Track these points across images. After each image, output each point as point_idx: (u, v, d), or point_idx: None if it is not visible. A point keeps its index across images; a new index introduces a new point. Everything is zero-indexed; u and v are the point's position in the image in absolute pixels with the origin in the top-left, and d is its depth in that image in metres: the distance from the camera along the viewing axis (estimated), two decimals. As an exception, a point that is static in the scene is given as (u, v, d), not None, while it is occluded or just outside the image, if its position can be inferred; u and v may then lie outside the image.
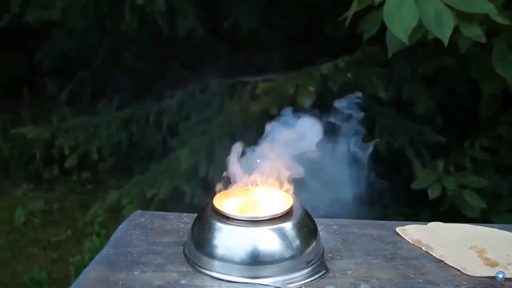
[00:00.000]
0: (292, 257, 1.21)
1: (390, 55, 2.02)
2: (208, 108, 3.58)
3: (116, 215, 3.10)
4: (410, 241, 1.36)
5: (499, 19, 1.91)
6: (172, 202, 3.20)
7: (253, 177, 1.31)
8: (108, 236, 1.39)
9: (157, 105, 3.79)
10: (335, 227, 1.42)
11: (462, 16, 1.89)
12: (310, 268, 1.22)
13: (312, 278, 1.20)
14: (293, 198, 1.28)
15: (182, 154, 3.13)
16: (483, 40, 1.94)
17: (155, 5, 3.42)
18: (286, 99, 2.98)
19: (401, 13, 1.84)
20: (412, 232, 1.39)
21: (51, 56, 4.30)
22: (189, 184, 3.17)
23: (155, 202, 3.17)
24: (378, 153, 2.72)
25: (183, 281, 1.18)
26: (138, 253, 1.29)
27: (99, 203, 3.39)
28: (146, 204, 3.16)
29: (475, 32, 1.92)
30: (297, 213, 1.26)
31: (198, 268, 1.22)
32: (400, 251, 1.32)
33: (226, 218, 1.23)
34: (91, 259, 1.30)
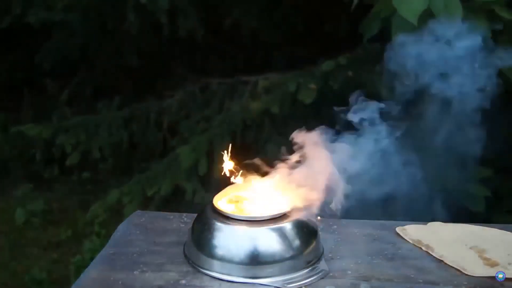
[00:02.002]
0: (292, 257, 1.21)
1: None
2: (208, 107, 3.58)
3: (116, 215, 3.10)
4: (410, 241, 1.36)
5: (505, 15, 1.91)
6: (173, 201, 3.20)
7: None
8: (108, 236, 1.39)
9: (157, 105, 3.79)
10: (335, 227, 1.42)
11: (469, 10, 1.90)
12: (310, 268, 1.22)
13: (312, 278, 1.20)
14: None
15: (182, 152, 3.13)
16: (488, 34, 1.94)
17: (158, 4, 3.42)
18: (287, 97, 2.98)
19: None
20: (412, 232, 1.39)
21: (51, 56, 4.30)
22: (189, 182, 3.17)
23: (155, 200, 3.17)
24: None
25: (183, 281, 1.18)
26: (138, 253, 1.29)
27: (99, 203, 3.40)
28: (147, 203, 3.15)
29: (480, 26, 1.92)
30: (297, 213, 1.25)
31: (198, 268, 1.22)
32: (400, 251, 1.32)
33: (226, 218, 1.23)
34: (91, 259, 1.30)
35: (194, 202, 3.11)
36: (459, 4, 1.84)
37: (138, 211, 1.50)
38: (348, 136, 1.31)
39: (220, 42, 4.13)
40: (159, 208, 2.99)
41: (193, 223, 1.29)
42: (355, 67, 2.93)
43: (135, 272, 1.21)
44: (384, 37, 2.04)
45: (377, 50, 2.82)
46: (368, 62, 2.97)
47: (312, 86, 2.86)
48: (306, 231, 1.25)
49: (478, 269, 1.23)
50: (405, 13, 1.84)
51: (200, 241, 1.24)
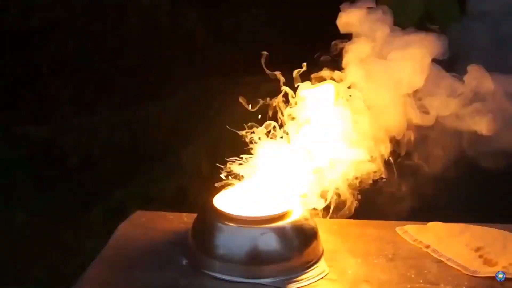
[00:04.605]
0: (292, 257, 1.21)
1: None
2: (209, 107, 3.58)
3: (118, 216, 3.10)
4: (410, 241, 1.36)
5: None
6: (176, 202, 3.20)
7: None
8: (108, 236, 1.39)
9: (158, 105, 3.79)
10: (335, 227, 1.41)
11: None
12: (310, 268, 1.22)
13: (312, 278, 1.20)
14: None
15: (185, 154, 3.14)
16: None
17: (158, 4, 3.42)
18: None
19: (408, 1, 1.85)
20: (412, 232, 1.39)
21: (52, 56, 4.30)
22: (193, 183, 3.17)
23: (158, 202, 3.17)
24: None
25: (183, 281, 1.18)
26: (138, 253, 1.28)
27: (102, 204, 3.39)
28: (150, 205, 3.15)
29: None
30: (297, 213, 1.26)
31: (198, 268, 1.22)
32: (400, 251, 1.32)
33: (226, 218, 1.23)
34: (91, 259, 1.30)
35: (197, 203, 3.10)
36: (456, 5, 1.84)
37: (138, 211, 1.50)
38: None
39: (220, 42, 4.13)
40: (162, 210, 2.99)
41: (193, 223, 1.29)
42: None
43: (135, 272, 1.21)
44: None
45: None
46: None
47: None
48: (306, 231, 1.25)
49: (478, 269, 1.23)
50: (402, 18, 1.83)
51: (200, 241, 1.24)
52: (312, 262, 1.23)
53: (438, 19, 1.86)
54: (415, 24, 1.81)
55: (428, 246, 1.32)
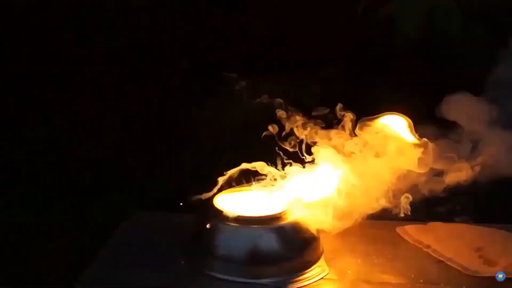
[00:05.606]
0: (292, 257, 1.21)
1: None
2: (209, 107, 3.58)
3: (117, 215, 3.09)
4: (410, 241, 1.36)
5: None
6: (176, 203, 3.20)
7: None
8: (108, 236, 1.39)
9: (158, 105, 3.79)
10: (335, 227, 1.41)
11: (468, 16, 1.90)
12: (310, 268, 1.22)
13: (312, 278, 1.20)
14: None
15: (185, 154, 3.14)
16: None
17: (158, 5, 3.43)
18: (289, 100, 2.99)
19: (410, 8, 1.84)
20: (412, 232, 1.38)
21: (52, 56, 4.30)
22: (193, 183, 3.17)
23: (158, 202, 3.17)
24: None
25: (183, 281, 1.18)
26: (138, 253, 1.29)
27: (102, 204, 3.40)
28: (150, 205, 3.15)
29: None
30: (297, 213, 1.25)
31: (198, 268, 1.22)
32: (400, 251, 1.32)
33: (226, 218, 1.23)
34: (92, 259, 1.30)
35: (197, 203, 3.10)
36: (458, 14, 1.84)
37: (138, 211, 1.50)
38: None
39: (220, 42, 4.13)
40: (161, 209, 2.99)
41: (193, 223, 1.29)
42: (357, 71, 2.94)
43: (135, 272, 1.21)
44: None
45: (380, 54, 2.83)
46: (372, 65, 2.97)
47: (314, 88, 2.87)
48: (306, 231, 1.25)
49: (478, 269, 1.23)
50: (404, 28, 1.83)
51: (200, 241, 1.24)
52: (312, 262, 1.23)
53: (441, 28, 1.86)
54: (417, 32, 1.82)
55: (428, 246, 1.32)
